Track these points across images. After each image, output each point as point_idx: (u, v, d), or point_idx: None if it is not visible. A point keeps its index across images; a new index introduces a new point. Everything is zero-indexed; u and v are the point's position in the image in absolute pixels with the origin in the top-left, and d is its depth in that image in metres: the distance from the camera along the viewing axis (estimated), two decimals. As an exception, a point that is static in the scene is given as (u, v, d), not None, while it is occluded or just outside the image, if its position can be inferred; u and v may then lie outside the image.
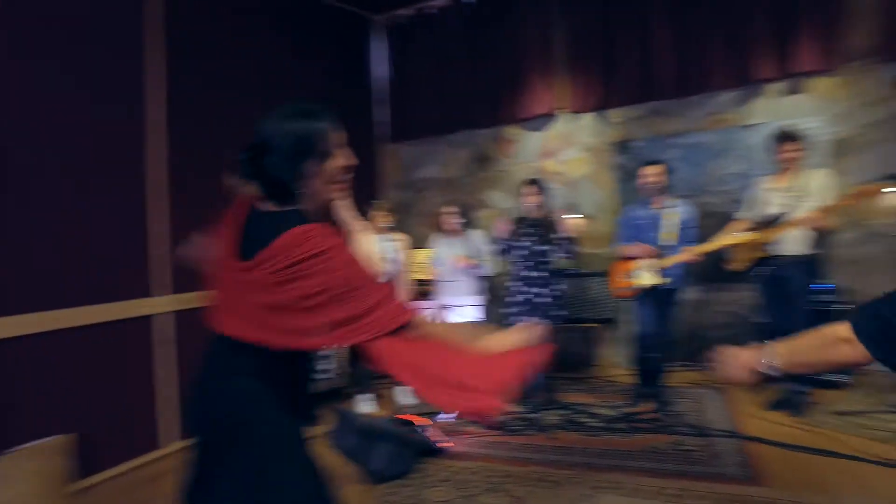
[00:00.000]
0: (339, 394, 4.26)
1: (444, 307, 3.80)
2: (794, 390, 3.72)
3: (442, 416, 3.87)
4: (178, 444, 3.65)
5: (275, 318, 1.29)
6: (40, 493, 2.74)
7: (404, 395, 4.39)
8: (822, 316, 4.00)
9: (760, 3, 4.67)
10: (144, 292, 3.58)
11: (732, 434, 3.39)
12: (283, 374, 1.40)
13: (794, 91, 4.76)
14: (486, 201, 5.79)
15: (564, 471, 3.09)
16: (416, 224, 5.85)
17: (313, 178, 1.40)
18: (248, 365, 1.35)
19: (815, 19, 4.55)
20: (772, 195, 3.86)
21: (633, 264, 4.12)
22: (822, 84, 4.68)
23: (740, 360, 1.38)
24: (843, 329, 1.20)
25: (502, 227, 4.23)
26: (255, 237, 1.34)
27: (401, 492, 2.89)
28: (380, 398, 4.40)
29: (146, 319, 3.59)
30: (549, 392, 4.18)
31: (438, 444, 3.35)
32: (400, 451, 3.08)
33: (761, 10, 4.68)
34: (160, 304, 3.64)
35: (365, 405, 4.20)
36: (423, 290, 4.76)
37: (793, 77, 4.70)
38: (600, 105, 5.30)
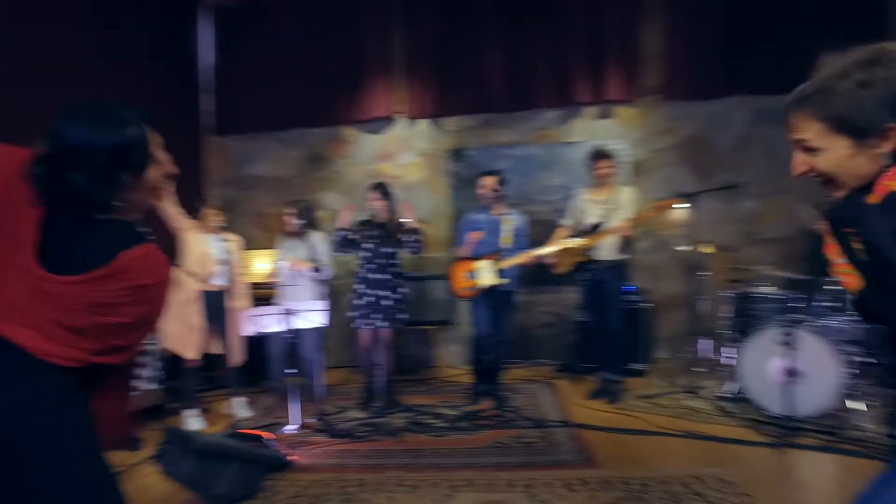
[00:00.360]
0: (162, 411, 3.76)
1: (288, 312, 3.56)
2: (609, 380, 4.19)
3: (287, 428, 3.63)
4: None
5: (75, 335, 1.17)
6: None
7: (241, 408, 4.03)
8: (632, 314, 4.59)
9: (579, 37, 5.22)
10: None
11: (566, 424, 3.70)
12: (72, 387, 1.23)
13: (605, 116, 5.40)
14: (320, 202, 5.59)
15: (419, 473, 3.08)
16: (244, 224, 5.43)
17: (130, 189, 1.25)
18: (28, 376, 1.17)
19: (620, 57, 5.22)
20: (590, 206, 4.30)
21: (473, 265, 4.30)
22: (625, 112, 5.38)
23: None
24: None
25: (345, 216, 4.15)
26: (73, 248, 1.19)
27: (248, 514, 2.63)
28: (206, 412, 3.98)
29: None
30: (392, 395, 4.16)
31: (287, 458, 3.13)
32: (246, 470, 2.81)
33: (580, 42, 5.23)
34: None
35: (192, 422, 3.76)
36: (263, 294, 4.43)
37: (604, 103, 5.32)
38: (436, 112, 5.46)
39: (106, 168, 1.20)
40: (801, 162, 1.11)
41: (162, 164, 1.31)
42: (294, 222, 4.18)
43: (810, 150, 1.08)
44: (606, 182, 4.24)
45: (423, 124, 5.54)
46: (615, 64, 5.23)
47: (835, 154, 1.04)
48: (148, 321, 1.27)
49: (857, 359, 3.63)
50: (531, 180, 5.37)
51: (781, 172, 5.00)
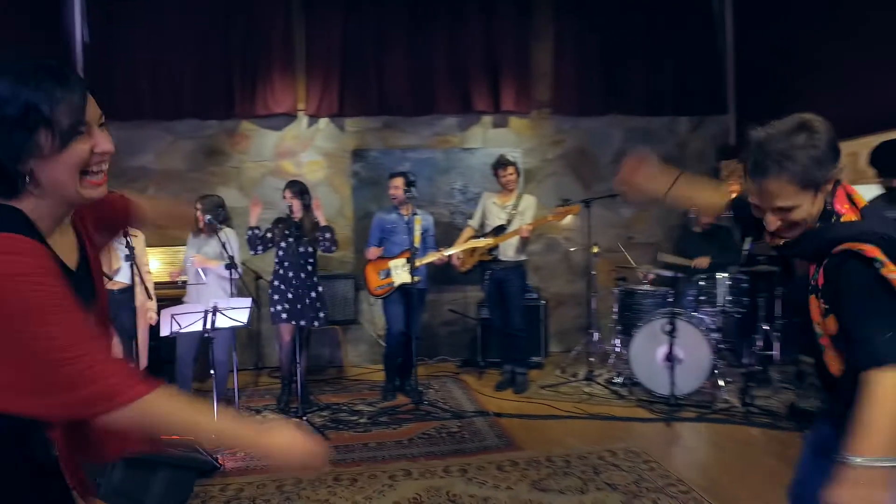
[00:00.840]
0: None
1: (215, 311, 3.38)
2: (515, 372, 4.49)
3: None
4: None
5: None
6: None
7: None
8: (531, 311, 4.94)
9: (478, 49, 5.50)
10: None
11: (483, 413, 3.92)
12: None
13: (500, 125, 5.74)
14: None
15: (354, 467, 3.11)
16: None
17: (46, 164, 0.93)
18: None
19: (515, 71, 5.58)
20: (495, 209, 4.59)
21: (387, 265, 4.39)
22: (518, 123, 5.77)
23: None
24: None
25: (255, 213, 4.09)
26: None
27: (184, 523, 2.49)
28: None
29: None
30: (306, 395, 4.10)
31: (216, 462, 2.99)
32: (177, 476, 2.64)
33: (479, 55, 5.51)
34: None
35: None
36: (171, 294, 4.13)
37: (499, 113, 5.67)
38: (337, 112, 5.43)
39: (10, 125, 0.90)
40: (774, 220, 1.30)
41: (98, 139, 0.98)
42: (203, 218, 3.96)
43: (784, 209, 1.27)
44: (510, 188, 4.55)
45: (325, 123, 5.49)
46: (510, 77, 5.60)
47: (806, 206, 1.26)
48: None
49: (720, 344, 4.28)
50: (431, 183, 5.55)
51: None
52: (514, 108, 5.62)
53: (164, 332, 3.30)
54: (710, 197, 1.81)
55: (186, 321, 3.31)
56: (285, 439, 1.08)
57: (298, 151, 5.45)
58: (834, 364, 1.29)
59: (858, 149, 4.32)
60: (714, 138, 6.07)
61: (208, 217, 3.89)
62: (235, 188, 5.32)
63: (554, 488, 2.84)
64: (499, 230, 4.48)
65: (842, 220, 1.28)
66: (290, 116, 5.38)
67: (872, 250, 1.17)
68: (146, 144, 5.29)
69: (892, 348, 1.12)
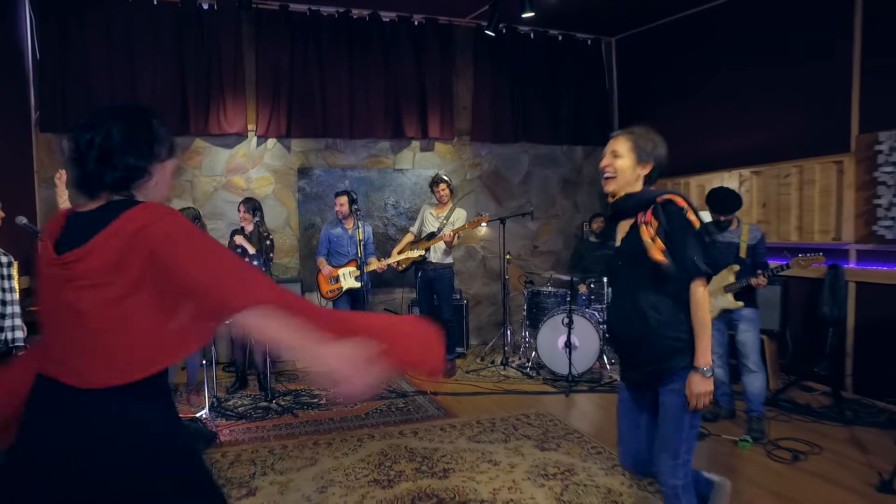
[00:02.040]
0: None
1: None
2: (446, 359, 5.37)
3: (200, 413, 4.02)
4: None
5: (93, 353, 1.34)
6: None
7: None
8: (455, 309, 5.84)
9: (408, 83, 6.34)
10: None
11: (422, 392, 4.76)
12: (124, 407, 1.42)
13: (427, 149, 6.62)
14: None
15: (327, 435, 3.85)
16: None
17: (160, 167, 1.47)
18: None
19: (440, 104, 6.48)
20: (430, 219, 5.44)
21: (336, 272, 5.14)
22: (443, 147, 6.68)
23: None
24: None
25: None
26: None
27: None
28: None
29: None
30: (269, 383, 4.74)
31: (215, 434, 3.61)
32: (193, 432, 3.27)
33: (410, 88, 6.35)
34: None
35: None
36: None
37: (426, 139, 6.55)
38: (284, 133, 6.06)
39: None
40: (606, 160, 2.12)
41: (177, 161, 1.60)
42: None
43: (616, 155, 2.10)
44: (444, 201, 5.41)
45: (273, 143, 6.10)
46: (436, 109, 6.49)
47: (628, 162, 2.07)
48: None
49: (606, 334, 5.40)
50: (367, 199, 6.31)
51: (552, 202, 6.85)
52: (439, 135, 6.52)
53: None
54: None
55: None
56: (346, 352, 1.31)
57: (248, 168, 6.02)
58: (657, 254, 1.96)
59: (703, 182, 5.65)
60: (602, 164, 7.30)
61: None
62: (189, 200, 5.80)
63: (485, 440, 3.74)
64: (430, 236, 5.35)
65: (658, 193, 2.07)
66: (241, 136, 5.94)
67: (681, 201, 1.99)
68: (100, 158, 5.63)
69: (699, 266, 1.94)
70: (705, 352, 1.96)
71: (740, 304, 3.62)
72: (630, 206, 2.08)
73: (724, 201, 3.72)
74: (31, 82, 5.36)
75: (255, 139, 6.02)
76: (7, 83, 5.00)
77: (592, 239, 6.13)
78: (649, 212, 2.00)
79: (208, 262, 1.33)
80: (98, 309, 1.30)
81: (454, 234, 5.19)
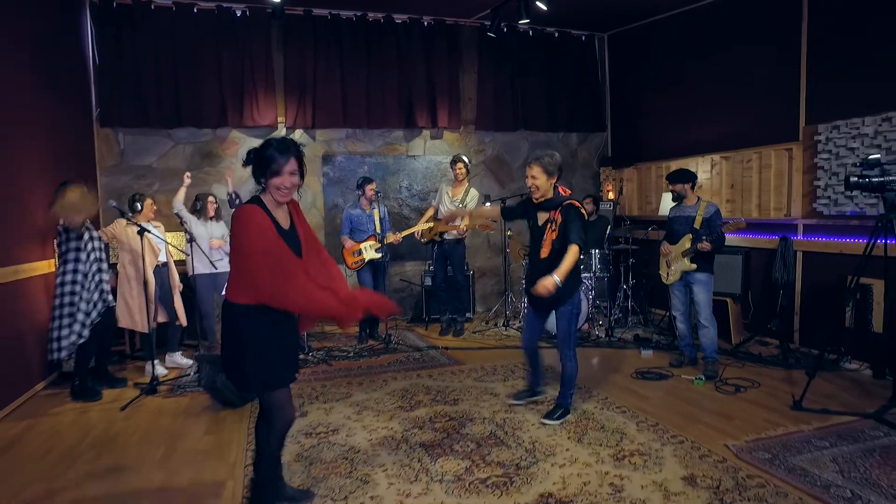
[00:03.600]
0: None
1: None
2: (455, 320, 6.21)
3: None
4: None
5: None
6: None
7: (181, 359, 5.12)
8: (465, 280, 6.65)
9: (419, 79, 7.10)
10: None
11: (435, 347, 5.61)
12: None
13: (437, 137, 7.39)
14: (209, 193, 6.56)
15: (360, 377, 4.70)
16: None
17: (270, 180, 2.36)
18: None
19: (447, 96, 7.24)
20: (447, 199, 6.22)
21: (359, 247, 5.95)
22: (451, 136, 7.44)
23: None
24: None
25: (229, 178, 5.73)
26: None
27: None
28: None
29: None
30: (304, 341, 5.59)
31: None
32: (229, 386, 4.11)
33: (420, 83, 7.11)
34: None
35: (157, 368, 4.73)
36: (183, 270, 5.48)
37: (436, 128, 7.31)
38: (310, 125, 6.84)
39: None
40: (530, 182, 3.43)
41: (284, 177, 2.33)
42: (214, 207, 5.42)
43: (534, 177, 3.42)
44: (459, 178, 6.16)
45: (300, 133, 6.88)
46: (444, 101, 7.24)
47: (543, 181, 3.40)
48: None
49: (594, 298, 6.21)
50: (383, 182, 7.11)
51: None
52: (447, 124, 7.28)
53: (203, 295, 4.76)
54: (491, 211, 3.96)
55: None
56: (368, 299, 2.58)
57: (278, 156, 6.80)
58: (546, 250, 3.52)
59: (682, 165, 6.39)
60: (596, 149, 8.06)
61: (215, 206, 5.36)
62: (226, 185, 6.60)
63: (487, 380, 4.59)
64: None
65: (562, 194, 3.36)
66: (272, 127, 6.73)
67: (577, 203, 3.40)
68: (151, 148, 6.45)
69: (580, 238, 3.40)
70: (561, 271, 3.37)
71: (693, 266, 4.42)
72: (549, 205, 3.57)
73: (674, 175, 4.66)
74: (93, 83, 6.15)
75: (284, 130, 6.80)
76: (74, 85, 5.79)
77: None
78: (558, 210, 3.48)
79: (244, 255, 2.30)
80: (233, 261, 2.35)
81: (468, 229, 5.98)
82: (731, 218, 4.45)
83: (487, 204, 6.67)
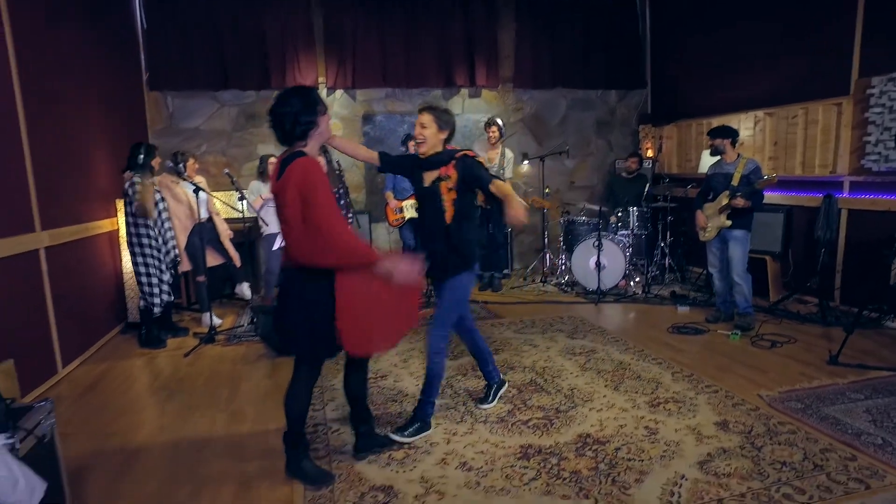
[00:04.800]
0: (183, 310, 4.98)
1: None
2: (494, 276, 6.37)
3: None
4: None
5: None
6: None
7: (246, 289, 5.42)
8: (506, 237, 6.77)
9: (457, 38, 7.09)
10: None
11: (477, 302, 5.80)
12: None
13: (475, 96, 7.41)
14: (255, 153, 6.78)
15: (402, 329, 4.93)
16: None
17: (318, 125, 2.40)
18: None
19: (485, 54, 7.22)
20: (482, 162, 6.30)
21: (400, 204, 6.11)
22: (489, 94, 7.46)
23: None
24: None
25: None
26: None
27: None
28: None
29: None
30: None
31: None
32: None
33: (458, 42, 7.10)
34: (48, 234, 3.85)
35: (213, 318, 5.05)
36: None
37: (474, 86, 7.32)
38: (350, 85, 6.95)
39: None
40: (418, 131, 2.93)
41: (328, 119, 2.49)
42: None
43: (423, 126, 2.92)
44: (492, 141, 6.23)
45: (340, 94, 7.00)
46: (482, 60, 7.23)
47: (432, 132, 2.92)
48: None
49: (632, 255, 6.28)
50: (424, 141, 7.20)
51: (587, 142, 7.60)
52: (485, 83, 7.29)
53: (276, 246, 4.95)
54: (368, 155, 3.18)
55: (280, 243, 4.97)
56: (398, 263, 2.41)
57: (320, 116, 6.96)
58: (449, 214, 2.89)
59: (725, 122, 6.31)
60: (635, 106, 7.96)
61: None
62: (272, 146, 6.80)
63: (526, 332, 4.76)
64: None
65: (450, 149, 2.96)
66: (314, 88, 6.85)
67: (472, 153, 2.93)
68: (198, 110, 6.68)
69: (488, 178, 2.83)
70: (515, 199, 2.78)
71: (729, 223, 4.45)
72: (436, 161, 2.93)
73: (715, 130, 4.65)
74: (142, 48, 6.36)
75: (325, 90, 6.93)
76: (124, 49, 6.01)
77: (624, 175, 6.90)
78: (451, 165, 2.87)
79: (317, 206, 2.25)
80: (292, 221, 2.30)
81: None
82: (763, 174, 4.44)
83: (525, 162, 6.73)
